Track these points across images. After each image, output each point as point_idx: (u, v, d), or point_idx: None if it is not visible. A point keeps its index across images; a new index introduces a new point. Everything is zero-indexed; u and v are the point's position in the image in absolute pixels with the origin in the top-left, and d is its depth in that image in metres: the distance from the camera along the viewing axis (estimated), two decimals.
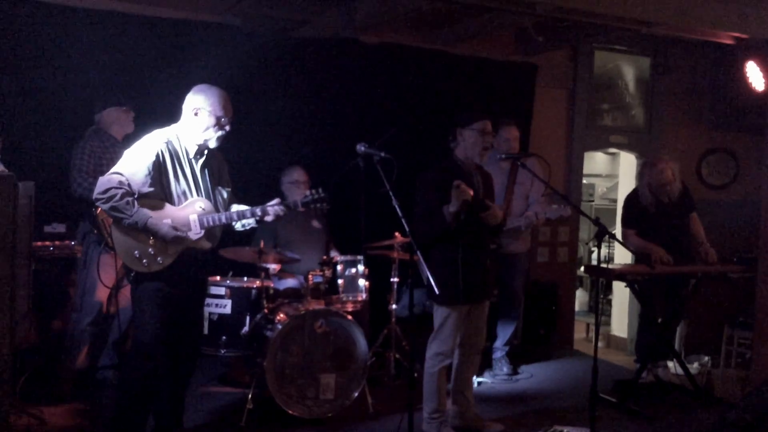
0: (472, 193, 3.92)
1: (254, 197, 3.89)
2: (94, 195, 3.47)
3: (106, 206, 3.43)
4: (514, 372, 5.62)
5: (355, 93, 6.01)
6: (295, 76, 5.83)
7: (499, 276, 5.32)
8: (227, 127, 3.63)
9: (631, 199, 5.61)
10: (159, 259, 3.51)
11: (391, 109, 6.07)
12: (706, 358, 6.38)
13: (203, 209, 3.61)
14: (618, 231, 6.45)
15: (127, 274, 3.58)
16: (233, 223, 3.74)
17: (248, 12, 5.57)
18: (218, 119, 3.58)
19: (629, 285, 5.19)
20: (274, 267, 5.04)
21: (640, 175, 5.60)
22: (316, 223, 5.39)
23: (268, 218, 3.73)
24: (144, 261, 3.49)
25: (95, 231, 4.47)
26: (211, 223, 3.61)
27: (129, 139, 4.58)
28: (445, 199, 3.93)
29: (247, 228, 3.83)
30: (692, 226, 5.53)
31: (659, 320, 5.43)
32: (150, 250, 3.50)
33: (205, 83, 3.68)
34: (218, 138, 3.63)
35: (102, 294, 4.56)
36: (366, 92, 6.04)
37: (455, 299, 4.05)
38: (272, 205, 3.72)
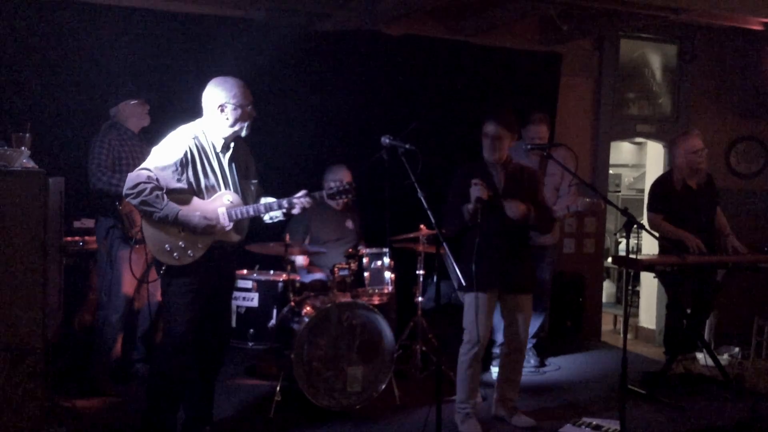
0: (490, 192, 3.98)
1: (278, 189, 3.90)
2: (124, 191, 3.50)
3: (135, 201, 3.46)
4: (542, 364, 5.60)
5: (379, 85, 6.01)
6: (319, 69, 5.84)
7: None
8: (254, 114, 3.66)
9: (659, 183, 5.54)
10: (190, 252, 3.54)
11: (415, 100, 6.06)
12: (737, 350, 6.30)
13: (231, 202, 3.64)
14: (645, 220, 6.37)
15: (158, 268, 3.61)
16: (262, 216, 3.76)
17: (271, 6, 5.59)
18: (244, 109, 3.61)
19: (658, 275, 5.14)
20: (302, 261, 5.06)
21: (672, 150, 5.45)
22: (349, 224, 5.40)
23: (295, 211, 3.74)
24: (175, 254, 3.53)
25: (119, 226, 4.49)
26: (239, 216, 3.63)
27: (145, 132, 4.64)
28: (466, 196, 3.99)
29: (275, 221, 3.85)
30: (717, 219, 5.48)
31: (688, 311, 5.37)
32: (180, 243, 3.53)
33: (221, 76, 3.68)
34: (248, 126, 3.66)
35: (129, 289, 4.60)
36: (390, 84, 6.04)
37: (470, 286, 4.06)
38: (298, 197, 3.73)
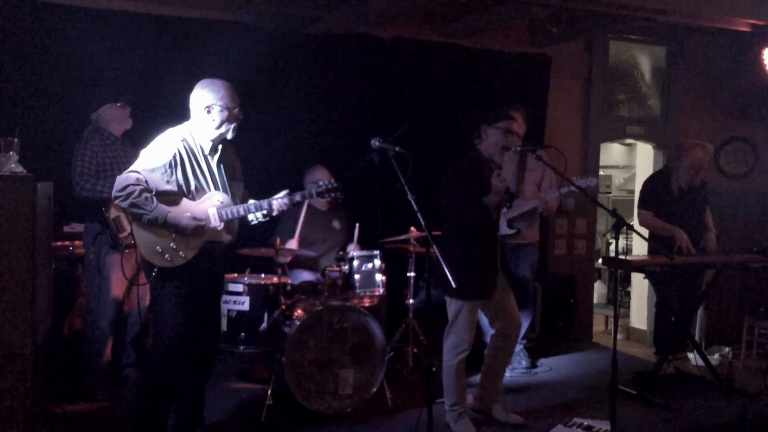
0: (508, 183, 4.00)
1: (269, 193, 3.89)
2: (113, 193, 3.49)
3: (125, 203, 3.46)
4: (533, 365, 5.61)
5: (370, 88, 6.01)
6: (309, 72, 5.84)
7: (508, 267, 5.30)
8: (240, 116, 3.66)
9: (654, 181, 5.57)
10: (181, 253, 3.54)
11: (406, 103, 6.06)
12: (727, 349, 6.33)
13: (222, 202, 3.65)
14: (636, 222, 6.39)
15: (148, 272, 3.60)
16: (248, 216, 3.76)
17: (261, 9, 5.59)
18: (231, 110, 3.61)
19: (647, 276, 5.16)
20: (293, 245, 5.06)
21: (677, 154, 5.47)
22: (336, 224, 5.40)
23: (273, 213, 3.76)
24: (166, 256, 3.52)
25: (107, 232, 4.47)
26: (229, 216, 3.64)
27: (133, 135, 4.62)
28: (480, 191, 3.96)
29: (255, 222, 3.84)
30: (705, 215, 5.55)
31: (677, 311, 5.40)
32: (172, 244, 3.53)
33: (208, 78, 3.68)
34: (234, 129, 3.66)
35: (118, 293, 4.58)
36: (380, 87, 6.04)
37: (473, 294, 4.06)
38: (277, 198, 3.74)
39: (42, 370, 4.18)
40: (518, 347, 5.57)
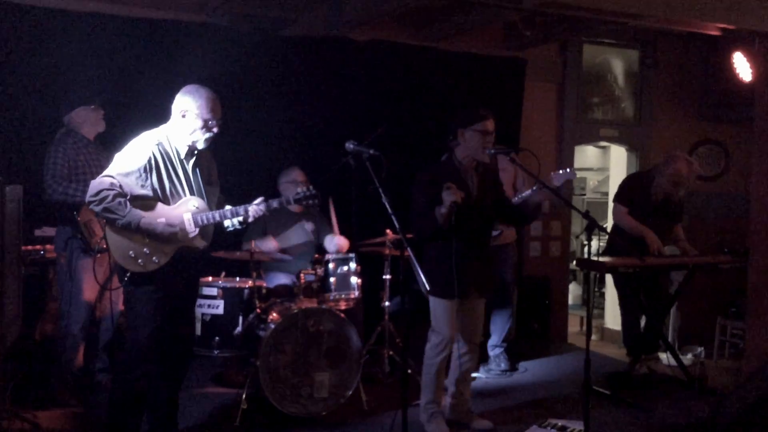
0: (462, 195, 3.92)
1: (244, 197, 3.87)
2: (87, 198, 3.45)
3: (98, 208, 3.42)
4: (513, 368, 5.61)
5: (345, 90, 6.00)
6: (284, 74, 5.82)
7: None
8: (215, 129, 3.62)
9: (636, 181, 5.66)
10: (155, 258, 3.51)
11: (381, 105, 6.06)
12: (700, 349, 6.41)
13: (197, 208, 3.61)
14: (610, 224, 6.47)
15: (121, 276, 3.56)
16: (224, 222, 3.73)
17: (235, 11, 5.56)
18: (206, 122, 3.57)
19: (619, 276, 5.22)
20: (272, 246, 5.04)
21: (664, 164, 5.49)
22: (309, 226, 5.38)
23: (249, 219, 3.73)
24: (140, 261, 3.49)
25: (79, 236, 4.42)
26: (205, 222, 3.61)
27: (106, 138, 4.57)
28: (438, 199, 3.94)
29: (231, 229, 3.81)
30: (675, 230, 5.66)
31: (643, 311, 5.48)
32: (145, 249, 3.50)
33: (194, 84, 3.65)
34: (206, 140, 3.62)
35: (90, 298, 4.53)
36: (355, 89, 6.04)
37: (449, 293, 4.07)
38: (253, 205, 3.72)
39: (12, 375, 4.12)
40: (498, 350, 5.59)
